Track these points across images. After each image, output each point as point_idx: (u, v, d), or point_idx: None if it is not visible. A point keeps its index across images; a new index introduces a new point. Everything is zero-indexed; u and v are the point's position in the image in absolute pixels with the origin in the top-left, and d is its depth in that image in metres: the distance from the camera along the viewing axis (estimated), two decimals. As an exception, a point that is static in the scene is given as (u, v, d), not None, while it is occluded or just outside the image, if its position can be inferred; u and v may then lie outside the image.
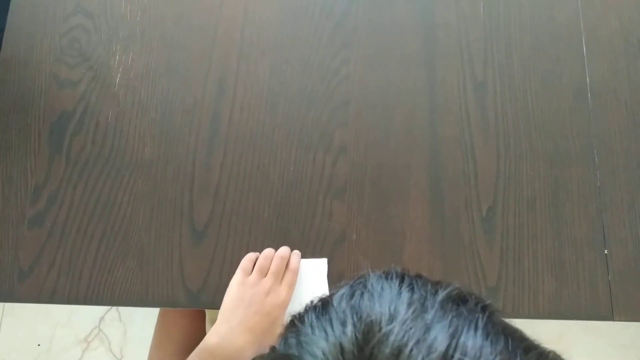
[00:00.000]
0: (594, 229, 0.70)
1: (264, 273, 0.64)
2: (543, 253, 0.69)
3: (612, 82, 0.76)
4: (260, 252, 0.67)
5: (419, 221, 0.70)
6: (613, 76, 0.76)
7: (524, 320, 1.62)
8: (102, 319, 1.50)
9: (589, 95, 0.75)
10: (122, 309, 1.51)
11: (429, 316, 0.30)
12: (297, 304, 0.64)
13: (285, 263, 0.66)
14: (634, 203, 0.71)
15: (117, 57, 0.76)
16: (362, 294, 0.32)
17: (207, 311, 0.86)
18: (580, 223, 0.70)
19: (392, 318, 0.29)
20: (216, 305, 0.68)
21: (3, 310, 1.50)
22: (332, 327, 0.31)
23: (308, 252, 0.69)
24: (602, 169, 0.72)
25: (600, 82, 0.76)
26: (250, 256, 0.67)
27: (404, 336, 0.28)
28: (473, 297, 0.33)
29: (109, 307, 1.51)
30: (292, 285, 0.64)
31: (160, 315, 0.91)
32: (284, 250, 0.67)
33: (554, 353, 0.32)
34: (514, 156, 0.73)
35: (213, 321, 0.82)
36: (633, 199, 0.71)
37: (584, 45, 0.77)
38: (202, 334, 0.89)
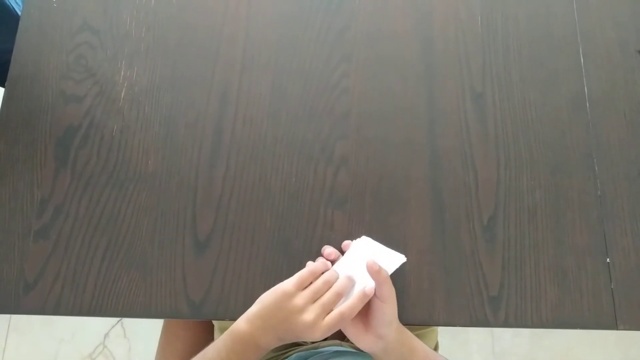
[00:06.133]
0: (596, 237, 0.70)
1: (315, 298, 0.60)
2: (545, 262, 0.69)
3: (610, 92, 0.76)
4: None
5: (419, 231, 0.71)
6: (611, 86, 0.77)
7: (531, 335, 1.61)
8: (106, 335, 1.51)
9: (588, 105, 0.76)
10: (127, 325, 1.51)
11: None
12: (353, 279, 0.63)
13: (342, 296, 0.61)
14: (634, 211, 0.71)
15: (122, 73, 0.78)
16: None
17: (215, 321, 0.86)
18: (582, 232, 0.70)
19: None
20: (219, 316, 0.68)
21: (9, 326, 1.50)
22: None
23: (310, 263, 0.69)
24: (603, 177, 0.73)
25: (598, 92, 0.76)
26: (314, 269, 0.62)
27: None
28: None
29: (114, 323, 1.51)
30: (343, 318, 0.59)
31: (164, 328, 0.91)
32: (343, 284, 0.61)
33: None
34: (514, 166, 0.73)
35: (222, 330, 0.82)
36: (634, 208, 0.71)
37: (581, 56, 0.78)
38: (206, 345, 0.89)
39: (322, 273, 0.63)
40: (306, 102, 0.76)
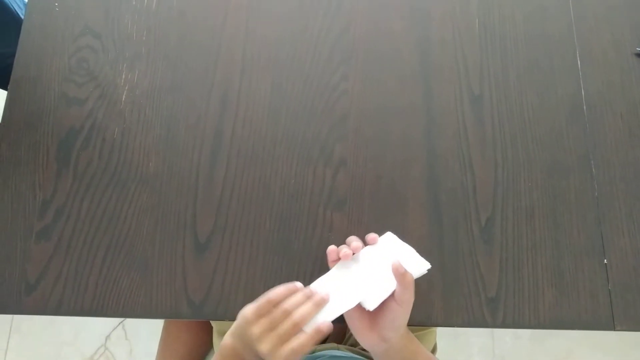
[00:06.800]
0: (593, 238, 0.71)
1: (273, 327, 0.57)
2: (542, 263, 0.70)
3: (606, 94, 0.77)
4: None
5: (417, 232, 0.71)
6: (608, 88, 0.77)
7: (531, 337, 1.60)
8: (108, 337, 1.51)
9: (585, 107, 0.76)
10: (128, 327, 1.52)
11: None
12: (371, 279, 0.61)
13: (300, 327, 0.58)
14: (632, 213, 0.71)
15: (124, 76, 0.78)
16: None
17: (214, 323, 0.87)
18: (579, 233, 0.71)
19: None
20: (218, 317, 0.69)
21: (10, 328, 1.51)
22: None
23: (309, 264, 0.70)
24: (600, 179, 0.73)
25: (595, 95, 0.77)
26: (274, 297, 0.58)
27: None
28: None
29: (115, 325, 1.52)
30: (295, 353, 0.56)
31: (164, 330, 0.92)
32: (302, 313, 0.58)
33: None
34: (511, 167, 0.74)
35: (220, 333, 0.83)
36: (631, 209, 0.72)
37: (578, 58, 0.79)
38: (206, 347, 0.90)
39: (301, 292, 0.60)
40: (306, 103, 0.77)
